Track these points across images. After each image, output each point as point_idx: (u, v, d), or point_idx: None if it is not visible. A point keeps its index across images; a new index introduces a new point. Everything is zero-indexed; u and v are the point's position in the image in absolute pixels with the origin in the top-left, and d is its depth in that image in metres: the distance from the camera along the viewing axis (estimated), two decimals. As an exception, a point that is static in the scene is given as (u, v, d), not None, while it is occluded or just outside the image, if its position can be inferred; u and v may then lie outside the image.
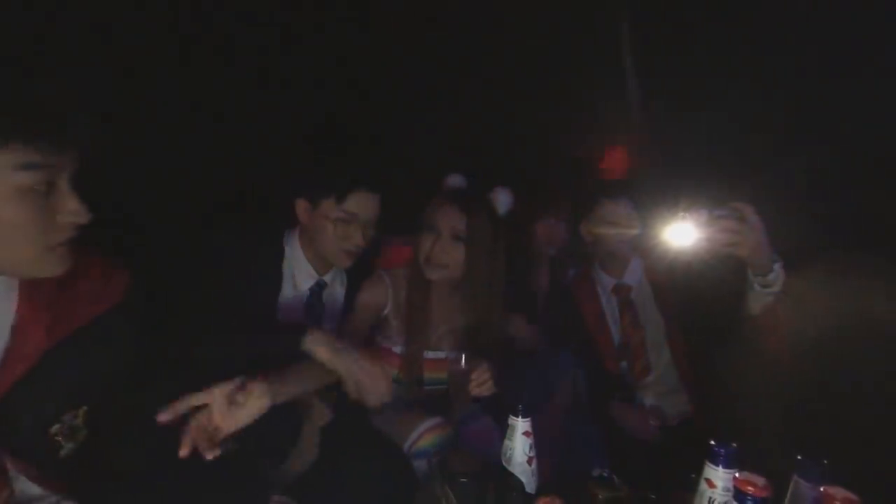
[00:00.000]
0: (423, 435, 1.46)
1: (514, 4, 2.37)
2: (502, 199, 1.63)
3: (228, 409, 0.99)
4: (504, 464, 1.12)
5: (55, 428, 0.88)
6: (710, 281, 1.42)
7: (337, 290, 1.63)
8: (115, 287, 0.97)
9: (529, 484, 1.11)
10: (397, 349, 1.63)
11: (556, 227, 2.11)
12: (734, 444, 0.91)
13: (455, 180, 1.67)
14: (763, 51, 1.79)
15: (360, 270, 1.66)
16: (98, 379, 0.93)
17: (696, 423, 1.77)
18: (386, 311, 1.66)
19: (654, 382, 1.83)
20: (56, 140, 0.77)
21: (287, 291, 1.53)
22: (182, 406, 0.96)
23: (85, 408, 0.92)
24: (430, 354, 1.64)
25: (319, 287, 1.57)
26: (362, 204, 1.47)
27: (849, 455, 0.91)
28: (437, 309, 1.65)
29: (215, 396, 0.98)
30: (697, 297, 1.59)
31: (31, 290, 0.86)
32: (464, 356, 1.45)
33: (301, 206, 1.52)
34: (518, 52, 2.46)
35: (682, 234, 1.26)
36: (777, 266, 1.30)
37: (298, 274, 1.55)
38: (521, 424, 1.10)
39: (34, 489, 0.88)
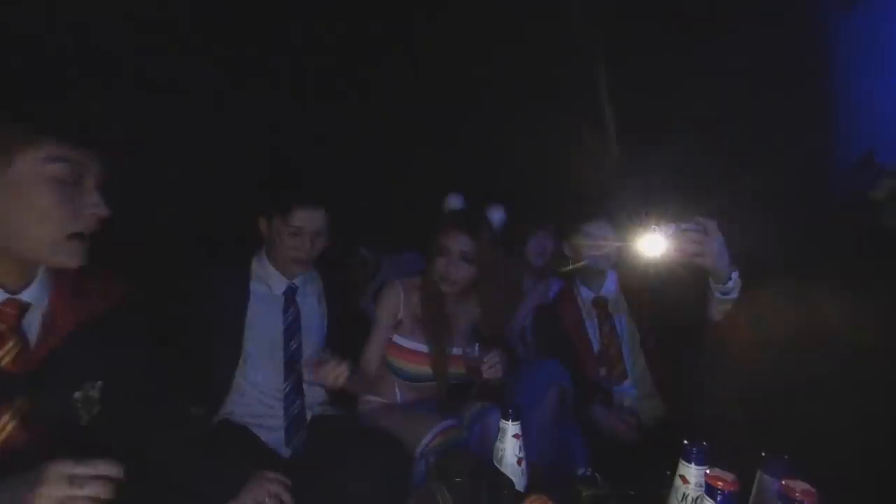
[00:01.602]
0: (437, 437, 1.48)
1: (502, 40, 2.44)
2: (497, 217, 1.77)
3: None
4: (496, 464, 1.12)
5: (77, 394, 0.98)
6: (676, 290, 1.46)
7: (308, 292, 1.71)
8: (118, 289, 1.10)
9: (519, 483, 1.12)
10: (421, 347, 1.74)
11: (545, 243, 2.18)
12: (705, 443, 0.92)
13: (455, 201, 1.79)
14: (723, 84, 1.87)
15: (338, 278, 1.78)
16: (110, 360, 1.03)
17: (670, 424, 1.79)
18: (400, 315, 1.77)
19: (631, 387, 1.85)
20: (83, 139, 0.86)
21: (265, 298, 1.63)
22: None
23: (100, 382, 1.02)
24: (449, 351, 1.73)
25: (292, 291, 1.65)
26: (306, 218, 1.55)
27: (807, 450, 0.93)
28: (449, 313, 1.76)
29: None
30: (666, 304, 1.63)
31: (61, 285, 1.00)
32: (477, 345, 1.55)
33: (262, 223, 1.62)
34: (505, 84, 2.53)
35: (653, 245, 1.31)
36: (734, 275, 1.34)
37: (272, 282, 1.64)
38: (511, 427, 1.11)
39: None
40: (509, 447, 1.11)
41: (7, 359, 0.89)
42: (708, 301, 1.41)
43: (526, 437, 1.14)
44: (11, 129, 0.82)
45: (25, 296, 0.94)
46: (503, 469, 1.11)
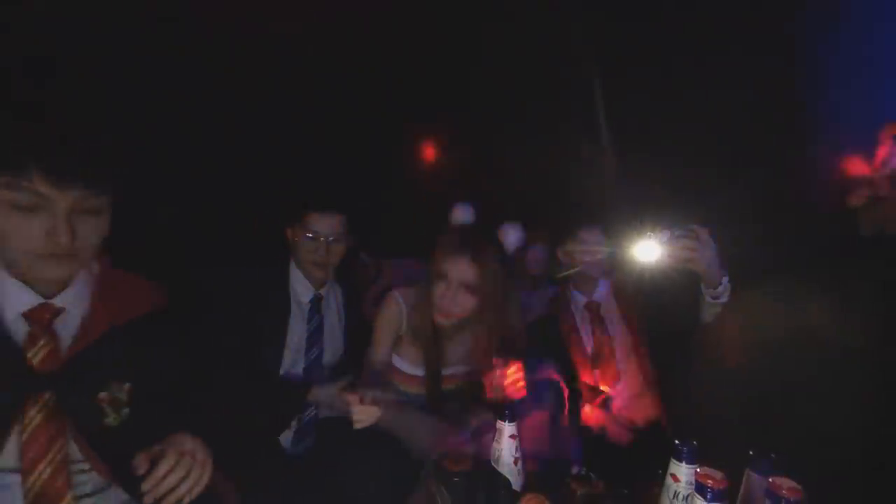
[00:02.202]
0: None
1: (500, 48, 2.46)
2: (512, 237, 1.55)
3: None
4: (493, 464, 1.13)
5: (103, 394, 1.01)
6: (668, 294, 1.48)
7: (332, 302, 1.73)
8: (155, 294, 1.14)
9: (516, 482, 1.12)
10: (417, 372, 1.59)
11: (541, 253, 2.21)
12: (695, 442, 0.93)
13: (463, 214, 1.58)
14: (713, 97, 1.91)
15: (359, 286, 1.75)
16: (141, 362, 1.05)
17: (661, 424, 1.81)
18: (402, 332, 1.61)
19: (623, 388, 1.87)
20: (44, 177, 0.87)
21: (293, 305, 1.65)
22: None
23: (129, 385, 1.03)
24: (444, 372, 1.62)
25: (317, 299, 1.67)
26: (321, 223, 1.57)
27: (794, 448, 0.95)
28: (446, 335, 1.60)
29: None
30: (658, 308, 1.65)
31: (99, 289, 1.05)
32: (499, 360, 1.43)
33: (287, 232, 1.66)
34: (502, 93, 2.56)
35: (648, 251, 1.34)
36: (725, 279, 1.37)
37: (300, 290, 1.66)
38: (507, 428, 1.11)
39: (77, 454, 0.97)
40: (506, 448, 1.12)
41: (38, 357, 0.95)
42: (699, 305, 1.43)
43: (524, 436, 1.15)
44: None
45: (59, 300, 0.99)
46: (500, 469, 1.12)
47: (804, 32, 1.88)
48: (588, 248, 1.86)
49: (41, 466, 0.92)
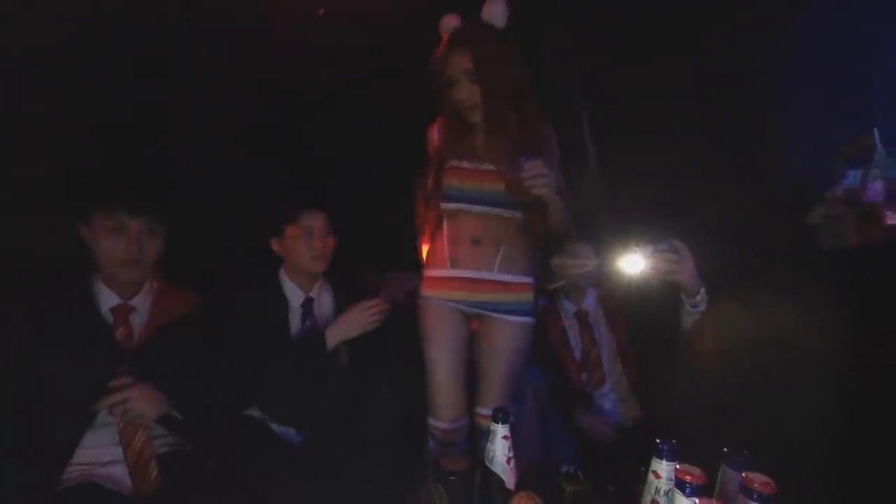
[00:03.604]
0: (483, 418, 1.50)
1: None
2: (497, 11, 1.48)
3: None
4: (487, 464, 1.15)
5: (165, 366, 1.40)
6: (651, 303, 1.53)
7: (324, 301, 1.76)
8: (189, 301, 1.54)
9: (509, 481, 1.14)
10: (466, 164, 1.59)
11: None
12: (675, 441, 0.95)
13: (451, 20, 1.55)
14: (697, 115, 1.98)
15: (349, 286, 1.79)
16: (183, 348, 1.44)
17: (644, 424, 1.85)
18: None
19: (609, 391, 1.90)
20: (125, 209, 1.35)
21: (287, 310, 1.70)
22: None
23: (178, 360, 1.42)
24: (481, 166, 1.60)
25: (309, 302, 1.71)
26: (311, 217, 1.66)
27: (765, 445, 0.99)
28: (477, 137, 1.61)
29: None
30: (642, 316, 1.69)
31: (155, 295, 1.48)
32: (523, 159, 1.36)
33: (274, 243, 1.70)
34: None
35: (633, 263, 1.39)
36: (702, 290, 1.43)
37: (291, 296, 1.70)
38: (501, 430, 1.13)
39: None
40: (499, 448, 1.14)
41: (120, 337, 1.38)
42: (680, 313, 1.48)
43: (512, 434, 1.17)
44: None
45: (132, 301, 1.43)
46: (494, 468, 1.14)
47: (772, 54, 1.94)
48: (579, 261, 1.91)
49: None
